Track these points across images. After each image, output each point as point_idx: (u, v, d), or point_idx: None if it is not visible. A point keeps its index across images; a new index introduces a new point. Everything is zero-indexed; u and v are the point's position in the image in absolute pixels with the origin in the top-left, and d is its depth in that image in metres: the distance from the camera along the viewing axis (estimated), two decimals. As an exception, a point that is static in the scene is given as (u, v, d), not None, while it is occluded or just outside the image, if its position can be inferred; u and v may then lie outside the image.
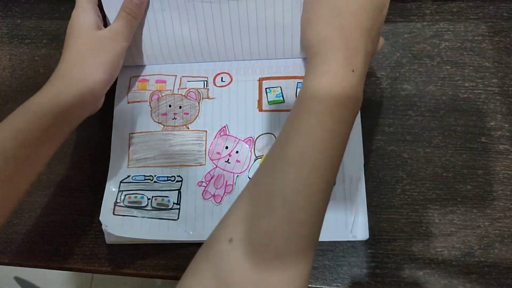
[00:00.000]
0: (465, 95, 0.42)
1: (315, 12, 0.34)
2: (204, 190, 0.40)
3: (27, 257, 0.41)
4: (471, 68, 0.43)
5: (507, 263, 0.38)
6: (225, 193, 0.40)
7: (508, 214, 0.39)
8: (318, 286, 0.38)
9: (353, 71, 0.31)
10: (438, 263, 0.38)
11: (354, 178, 0.39)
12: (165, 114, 0.43)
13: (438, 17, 0.45)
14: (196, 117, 0.43)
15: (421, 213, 0.39)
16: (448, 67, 0.43)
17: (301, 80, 0.42)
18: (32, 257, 0.41)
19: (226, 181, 0.40)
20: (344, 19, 0.32)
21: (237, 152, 0.41)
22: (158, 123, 0.43)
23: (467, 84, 0.43)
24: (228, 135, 0.42)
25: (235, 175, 0.41)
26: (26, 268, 0.41)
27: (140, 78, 0.45)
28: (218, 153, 0.41)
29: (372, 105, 0.43)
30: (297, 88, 0.42)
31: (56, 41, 0.48)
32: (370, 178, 0.41)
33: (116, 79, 0.45)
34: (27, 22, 0.49)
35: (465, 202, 0.39)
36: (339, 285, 0.38)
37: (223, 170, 0.41)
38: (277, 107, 0.42)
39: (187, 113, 0.43)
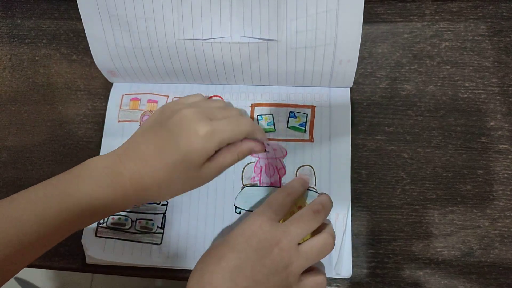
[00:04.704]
0: (465, 95, 0.42)
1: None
2: None
3: (27, 257, 0.41)
4: (471, 68, 0.43)
5: (507, 263, 0.38)
6: None
7: (508, 214, 0.39)
8: (318, 286, 0.38)
9: None
10: (438, 263, 0.38)
11: (340, 214, 0.39)
12: None
13: (438, 17, 0.45)
14: None
15: (421, 213, 0.39)
16: (448, 67, 0.43)
17: (292, 109, 0.42)
18: (32, 257, 0.41)
19: None
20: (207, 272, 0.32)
21: None
22: None
23: (467, 84, 0.43)
24: None
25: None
26: (26, 268, 0.41)
27: (132, 96, 0.44)
28: None
29: (372, 105, 0.43)
30: (288, 117, 0.42)
31: (56, 41, 0.48)
32: (370, 178, 0.41)
33: (108, 95, 0.45)
34: (27, 22, 0.49)
35: (465, 202, 0.40)
36: (339, 285, 0.38)
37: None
38: (268, 136, 0.41)
39: None
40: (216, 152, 0.35)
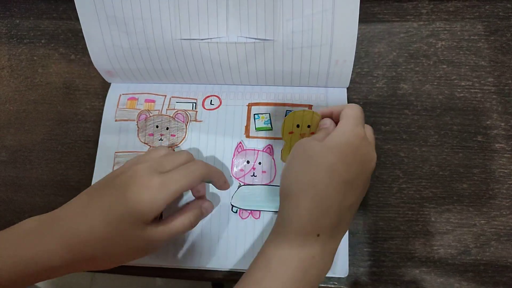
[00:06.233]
0: (461, 94, 0.43)
1: (291, 165, 0.33)
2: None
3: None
4: (467, 67, 0.43)
5: (503, 261, 0.38)
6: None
7: (504, 213, 0.39)
8: (315, 284, 0.38)
9: (318, 235, 0.30)
10: (435, 261, 0.38)
11: None
12: (152, 134, 0.43)
13: (435, 17, 0.45)
14: (183, 139, 0.42)
15: (417, 212, 0.40)
16: (445, 66, 0.44)
17: (290, 108, 0.42)
18: (31, 256, 0.41)
19: None
20: (317, 174, 0.30)
21: (259, 163, 0.41)
22: (144, 143, 0.43)
23: (463, 83, 0.43)
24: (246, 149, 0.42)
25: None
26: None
27: (130, 96, 0.45)
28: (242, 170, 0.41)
29: (368, 104, 0.43)
30: (285, 116, 0.42)
31: (54, 41, 0.48)
32: (367, 177, 0.41)
33: (106, 94, 0.45)
34: (25, 22, 0.49)
35: (461, 200, 0.40)
36: (336, 283, 0.38)
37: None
38: (265, 134, 0.42)
39: (174, 135, 0.43)
40: (167, 215, 0.34)
